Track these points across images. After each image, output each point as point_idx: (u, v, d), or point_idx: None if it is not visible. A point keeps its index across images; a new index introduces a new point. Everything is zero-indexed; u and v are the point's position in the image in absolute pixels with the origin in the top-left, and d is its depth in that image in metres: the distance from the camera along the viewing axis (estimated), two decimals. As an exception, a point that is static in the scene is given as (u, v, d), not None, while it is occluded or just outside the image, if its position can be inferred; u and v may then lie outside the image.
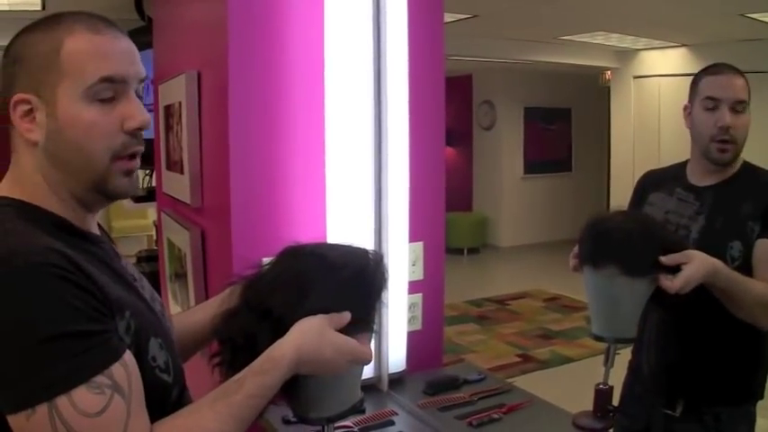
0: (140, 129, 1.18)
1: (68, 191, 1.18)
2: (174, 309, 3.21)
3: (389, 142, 2.16)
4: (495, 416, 1.93)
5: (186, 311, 1.58)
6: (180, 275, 2.95)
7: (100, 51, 1.15)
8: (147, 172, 4.31)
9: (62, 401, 0.96)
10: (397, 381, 2.24)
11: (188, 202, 2.62)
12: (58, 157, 1.15)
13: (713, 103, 1.95)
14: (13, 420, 0.97)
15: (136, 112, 1.17)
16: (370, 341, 1.36)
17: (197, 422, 1.09)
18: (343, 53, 2.12)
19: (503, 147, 10.01)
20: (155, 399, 1.12)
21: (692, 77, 2.06)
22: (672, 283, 1.69)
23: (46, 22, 1.17)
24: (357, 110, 2.15)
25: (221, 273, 2.36)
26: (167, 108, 2.88)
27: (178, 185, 2.81)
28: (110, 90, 1.15)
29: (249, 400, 1.12)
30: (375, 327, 1.35)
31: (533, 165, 10.12)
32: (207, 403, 1.11)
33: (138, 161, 1.22)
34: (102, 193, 1.20)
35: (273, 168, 2.19)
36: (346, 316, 1.23)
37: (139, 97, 1.22)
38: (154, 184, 3.96)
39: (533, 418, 1.95)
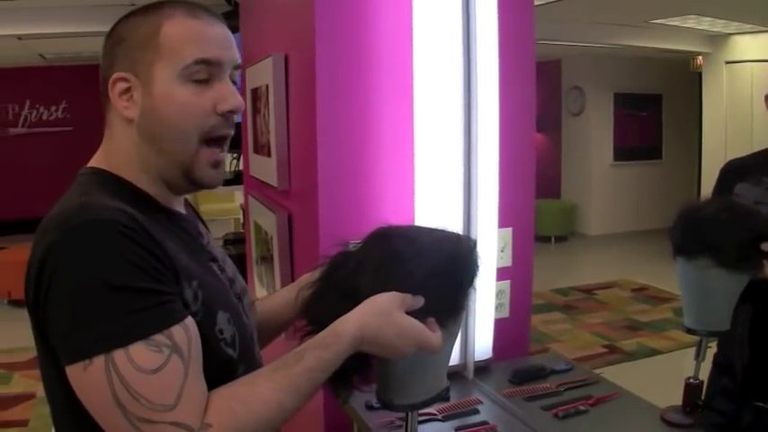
0: (233, 112, 1.23)
1: (157, 169, 1.23)
2: (259, 292, 3.24)
3: (479, 126, 2.11)
4: (582, 408, 1.88)
5: (271, 293, 1.60)
6: (266, 258, 2.98)
7: (197, 35, 1.20)
8: (235, 155, 4.36)
9: (119, 355, 0.98)
10: (482, 369, 2.21)
11: (275, 185, 2.63)
12: (150, 134, 1.20)
13: None
14: (71, 371, 1.00)
15: (229, 96, 1.22)
16: (458, 330, 1.33)
17: (254, 391, 1.09)
18: (432, 36, 2.08)
19: (592, 133, 9.80)
20: (219, 372, 1.14)
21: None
22: None
23: (147, 8, 1.22)
24: (446, 94, 2.11)
25: (308, 256, 2.36)
26: (254, 91, 2.90)
27: (265, 168, 2.83)
28: (204, 72, 1.20)
29: (308, 373, 1.12)
30: (463, 315, 1.32)
31: (623, 152, 9.88)
32: (265, 373, 1.12)
33: (224, 152, 1.26)
34: (188, 180, 1.24)
35: (361, 152, 2.17)
36: (419, 300, 1.20)
37: (234, 84, 1.27)
38: (241, 167, 4.01)
39: (620, 412, 1.90)
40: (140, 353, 0.99)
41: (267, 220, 2.86)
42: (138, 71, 1.19)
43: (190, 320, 1.07)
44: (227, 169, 4.46)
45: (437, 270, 1.22)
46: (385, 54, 2.14)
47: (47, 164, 9.51)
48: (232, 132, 1.25)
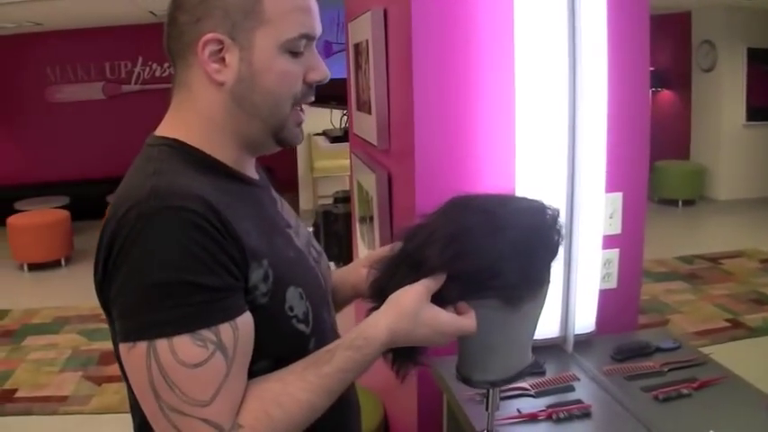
0: (321, 82, 1.24)
1: (243, 132, 1.23)
2: (361, 250, 3.26)
3: (585, 84, 2.01)
4: (685, 391, 1.79)
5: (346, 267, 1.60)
6: (367, 219, 2.97)
7: (301, 7, 1.20)
8: (345, 112, 4.36)
9: (162, 345, 1.00)
10: (583, 342, 2.13)
11: (375, 143, 2.61)
12: (246, 101, 1.20)
13: None
14: (120, 349, 1.05)
15: (320, 66, 1.24)
16: (540, 305, 1.27)
17: (287, 390, 1.10)
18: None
19: (723, 91, 9.35)
20: (291, 348, 1.18)
21: None
22: None
23: None
24: (549, 49, 2.01)
25: (406, 217, 2.33)
26: (356, 46, 2.88)
27: (366, 126, 2.81)
28: (303, 45, 1.20)
29: (339, 373, 1.13)
30: (545, 289, 1.25)
31: (757, 111, 9.39)
32: (297, 371, 1.13)
33: (305, 113, 1.28)
34: (276, 139, 1.25)
35: (459, 110, 2.12)
36: (441, 278, 1.18)
37: None
38: (352, 124, 4.01)
39: (725, 398, 1.80)
40: (184, 346, 1.01)
41: (368, 180, 2.85)
42: (236, 35, 1.17)
43: (242, 319, 1.08)
44: (338, 126, 4.50)
45: (513, 247, 1.17)
46: (485, 7, 2.07)
47: (160, 120, 9.82)
48: (313, 98, 1.27)
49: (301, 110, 1.26)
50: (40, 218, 7.87)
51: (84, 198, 9.46)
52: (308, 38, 1.20)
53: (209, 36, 1.16)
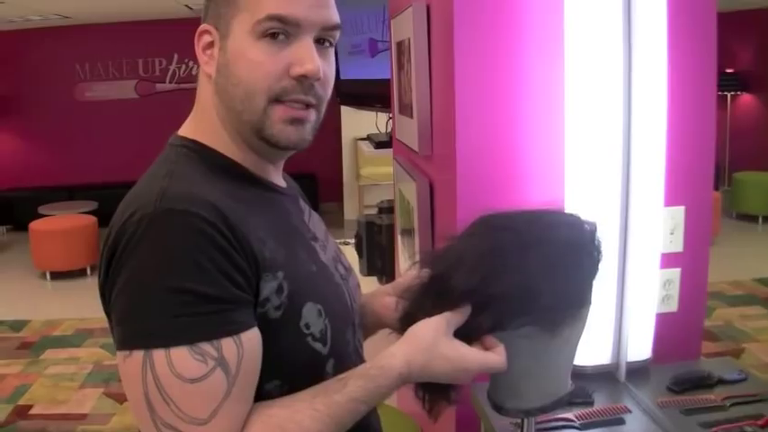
0: (305, 76, 1.19)
1: (236, 131, 1.25)
2: (403, 264, 3.26)
3: (642, 85, 1.98)
4: (748, 429, 1.74)
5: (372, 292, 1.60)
6: (408, 231, 2.97)
7: None
8: (390, 115, 4.38)
9: (159, 355, 1.01)
10: (638, 371, 2.10)
11: (416, 149, 2.61)
12: (225, 93, 1.22)
13: None
14: (118, 357, 1.06)
15: (305, 58, 1.19)
16: (580, 329, 1.25)
17: (293, 416, 1.10)
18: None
19: (812, 95, 9.21)
20: (306, 367, 1.19)
21: None
22: None
23: None
24: (602, 46, 1.98)
25: (448, 230, 2.32)
26: (399, 45, 2.88)
27: (408, 131, 2.81)
28: (278, 30, 1.18)
29: (350, 403, 1.12)
30: (587, 311, 1.24)
31: None
32: (307, 398, 1.12)
33: (307, 112, 1.23)
34: (262, 140, 1.23)
35: (505, 113, 2.12)
36: (465, 311, 1.18)
37: (330, 45, 1.26)
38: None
39: (795, 439, 1.75)
40: (182, 358, 1.01)
41: (409, 189, 2.85)
42: (220, 24, 1.21)
43: (248, 335, 1.08)
44: (384, 130, 4.50)
45: (546, 265, 1.16)
46: (532, 1, 2.07)
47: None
48: (309, 99, 1.22)
49: (301, 107, 1.21)
50: (65, 223, 8.00)
51: (113, 203, 9.18)
52: (283, 21, 1.17)
53: (201, 28, 1.23)
